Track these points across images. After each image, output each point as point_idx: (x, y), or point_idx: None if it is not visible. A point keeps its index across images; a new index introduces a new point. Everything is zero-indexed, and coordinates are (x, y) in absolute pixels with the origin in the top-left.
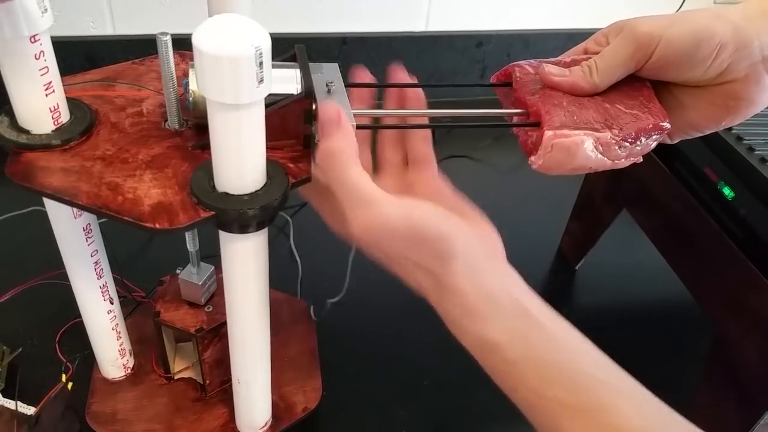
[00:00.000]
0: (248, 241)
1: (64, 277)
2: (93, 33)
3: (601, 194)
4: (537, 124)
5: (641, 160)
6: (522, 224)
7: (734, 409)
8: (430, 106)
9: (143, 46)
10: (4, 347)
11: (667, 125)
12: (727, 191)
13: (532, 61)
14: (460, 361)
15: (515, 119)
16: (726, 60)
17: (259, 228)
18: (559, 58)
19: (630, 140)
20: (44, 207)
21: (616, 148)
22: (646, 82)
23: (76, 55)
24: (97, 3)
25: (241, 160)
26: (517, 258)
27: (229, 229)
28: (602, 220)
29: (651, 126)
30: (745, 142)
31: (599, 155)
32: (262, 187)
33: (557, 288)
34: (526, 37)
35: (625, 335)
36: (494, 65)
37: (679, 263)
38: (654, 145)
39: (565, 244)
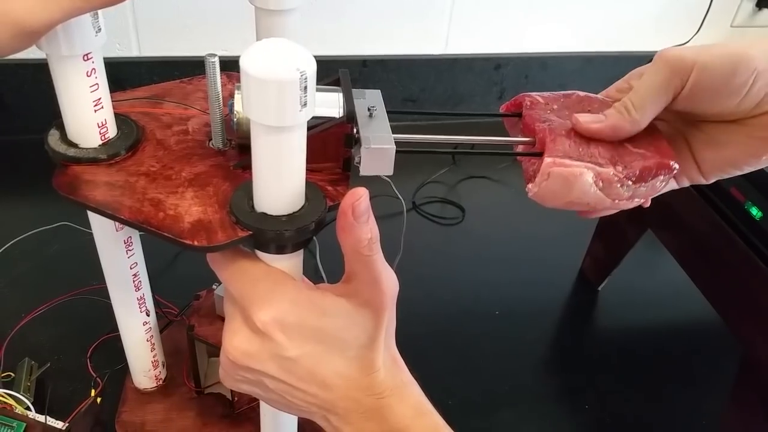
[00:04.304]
0: (283, 262)
1: (93, 293)
2: (119, 54)
3: (625, 214)
4: (541, 154)
5: (649, 203)
6: (543, 245)
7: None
8: (452, 129)
9: (167, 68)
10: (33, 362)
11: (674, 165)
12: (754, 211)
13: (543, 93)
14: (483, 383)
15: (522, 148)
16: (763, 88)
17: (295, 249)
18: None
19: (633, 178)
20: (73, 223)
21: (618, 185)
22: (656, 125)
23: None
24: (123, 26)
25: (280, 182)
26: (538, 279)
27: (266, 249)
28: (626, 240)
29: (655, 164)
30: None
31: (598, 191)
32: (300, 209)
33: (579, 309)
34: (544, 60)
35: (650, 357)
36: (512, 87)
37: (706, 284)
38: (663, 186)
39: (588, 264)
